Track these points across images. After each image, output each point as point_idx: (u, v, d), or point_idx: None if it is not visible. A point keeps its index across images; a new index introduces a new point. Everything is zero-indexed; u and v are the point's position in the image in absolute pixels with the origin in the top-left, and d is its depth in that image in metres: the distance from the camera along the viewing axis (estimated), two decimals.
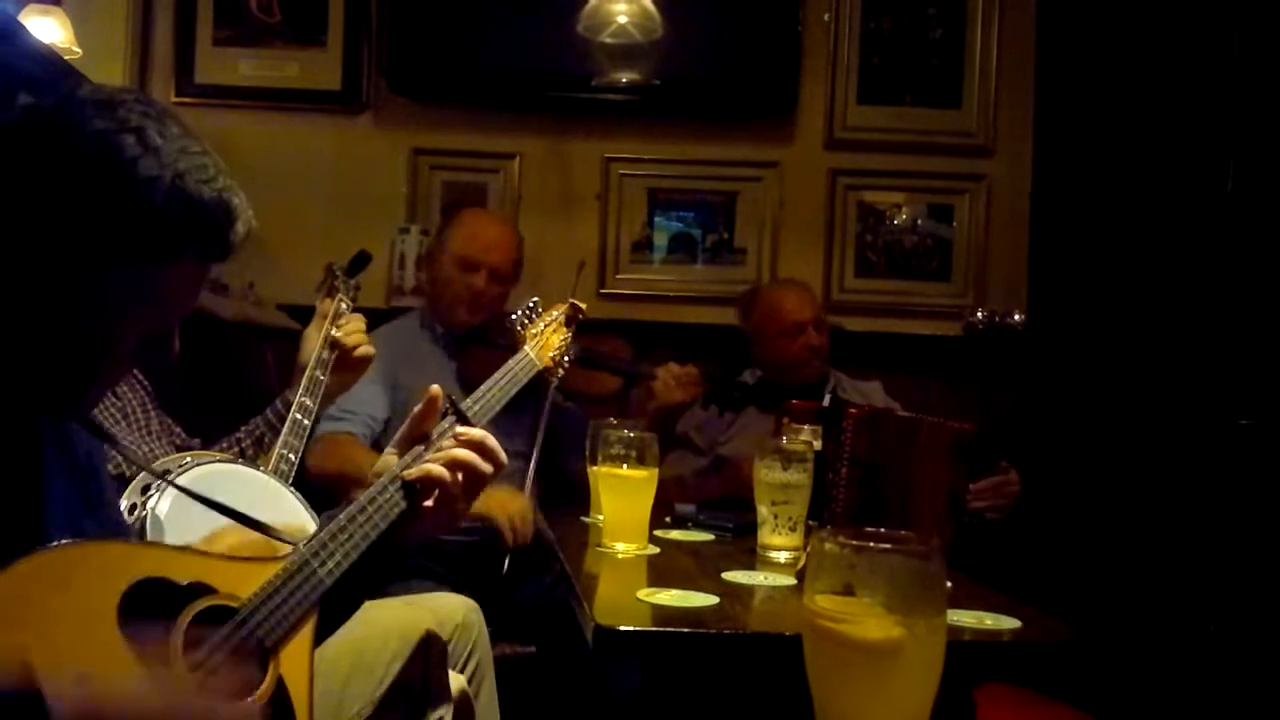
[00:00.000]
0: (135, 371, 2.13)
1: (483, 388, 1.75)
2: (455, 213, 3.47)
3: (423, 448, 1.47)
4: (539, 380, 2.12)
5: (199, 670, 1.13)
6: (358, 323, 2.29)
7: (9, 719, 0.88)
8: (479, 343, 3.06)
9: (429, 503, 1.43)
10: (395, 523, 1.40)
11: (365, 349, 2.27)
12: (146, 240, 1.13)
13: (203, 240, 1.16)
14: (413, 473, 1.42)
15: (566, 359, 2.18)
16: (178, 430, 2.17)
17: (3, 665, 0.96)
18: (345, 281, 2.36)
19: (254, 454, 2.15)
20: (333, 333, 2.22)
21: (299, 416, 2.10)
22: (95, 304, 1.14)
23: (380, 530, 1.37)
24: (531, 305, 2.21)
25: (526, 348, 2.09)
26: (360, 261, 2.48)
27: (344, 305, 2.29)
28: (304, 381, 2.15)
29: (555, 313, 2.22)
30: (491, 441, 1.48)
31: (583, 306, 2.28)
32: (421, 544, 1.48)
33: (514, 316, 2.18)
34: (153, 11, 3.87)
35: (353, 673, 1.68)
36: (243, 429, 2.23)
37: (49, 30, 3.36)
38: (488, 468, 1.46)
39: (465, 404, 1.57)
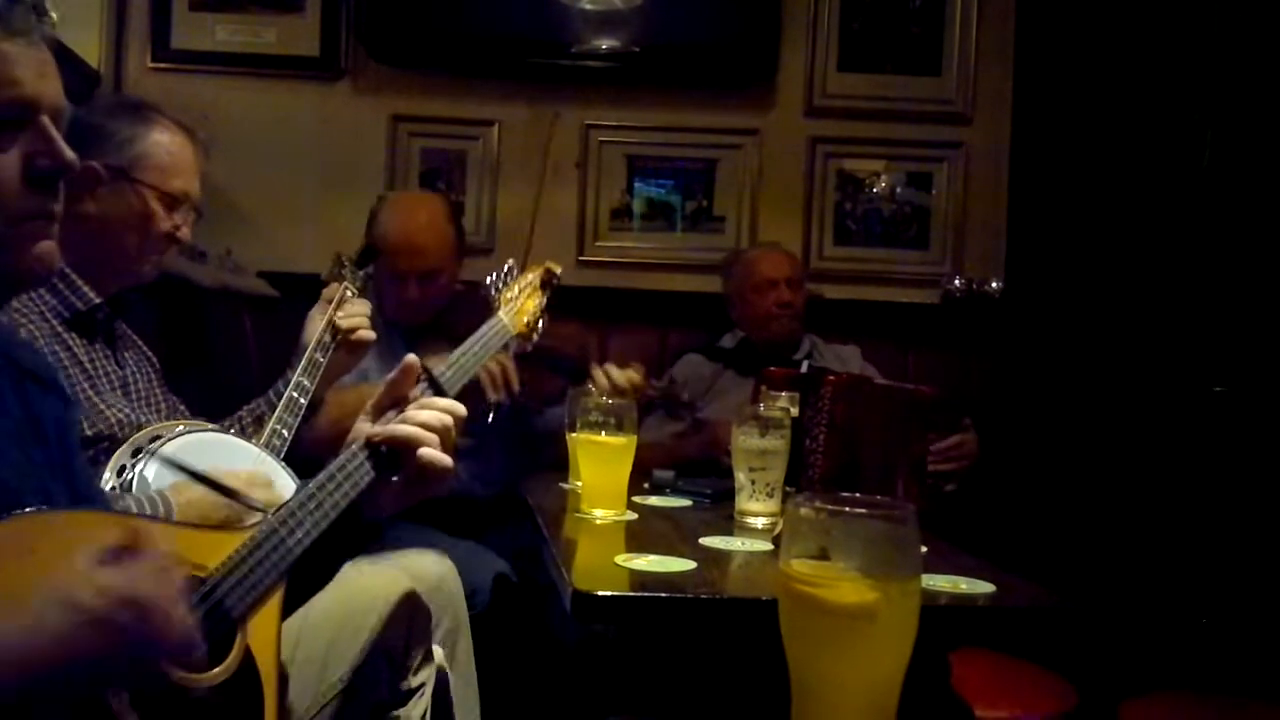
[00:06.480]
0: (145, 349, 2.19)
1: (455, 353, 1.75)
2: (378, 207, 3.07)
3: (395, 412, 1.45)
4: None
5: None
6: (359, 307, 2.35)
7: None
8: (431, 332, 3.00)
9: (396, 477, 1.41)
10: (366, 491, 1.38)
11: (364, 333, 2.32)
12: None
13: None
14: (378, 433, 1.40)
15: (540, 324, 2.19)
16: (182, 409, 2.19)
17: None
18: (353, 271, 2.45)
19: (254, 431, 2.18)
20: (334, 316, 2.29)
21: (294, 395, 2.16)
22: None
23: (350, 498, 1.36)
24: (507, 269, 2.22)
25: (501, 313, 2.09)
26: (369, 254, 2.52)
27: (349, 292, 2.37)
28: (303, 362, 2.22)
29: (530, 276, 2.22)
30: (460, 410, 1.47)
31: (557, 270, 2.28)
32: (395, 513, 1.46)
33: (489, 280, 2.19)
34: None
35: (335, 638, 1.68)
36: (244, 408, 2.30)
37: None
38: (451, 430, 1.44)
39: (439, 370, 1.57)
